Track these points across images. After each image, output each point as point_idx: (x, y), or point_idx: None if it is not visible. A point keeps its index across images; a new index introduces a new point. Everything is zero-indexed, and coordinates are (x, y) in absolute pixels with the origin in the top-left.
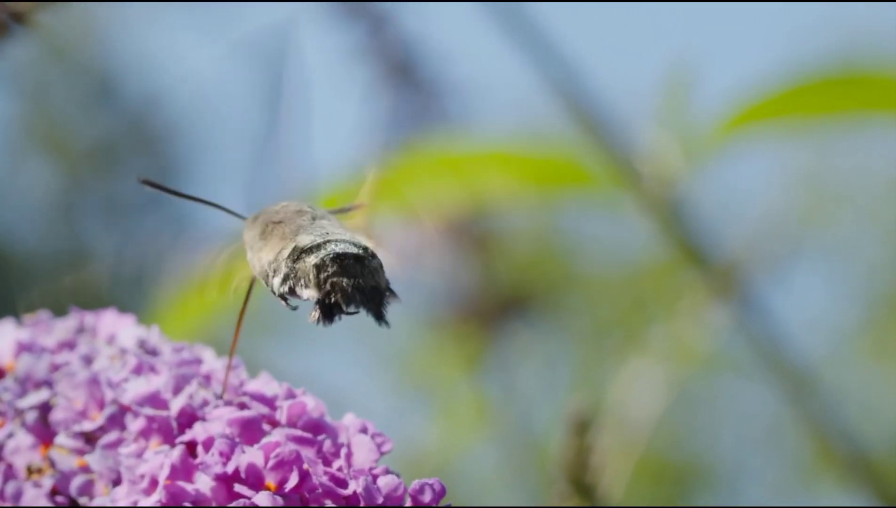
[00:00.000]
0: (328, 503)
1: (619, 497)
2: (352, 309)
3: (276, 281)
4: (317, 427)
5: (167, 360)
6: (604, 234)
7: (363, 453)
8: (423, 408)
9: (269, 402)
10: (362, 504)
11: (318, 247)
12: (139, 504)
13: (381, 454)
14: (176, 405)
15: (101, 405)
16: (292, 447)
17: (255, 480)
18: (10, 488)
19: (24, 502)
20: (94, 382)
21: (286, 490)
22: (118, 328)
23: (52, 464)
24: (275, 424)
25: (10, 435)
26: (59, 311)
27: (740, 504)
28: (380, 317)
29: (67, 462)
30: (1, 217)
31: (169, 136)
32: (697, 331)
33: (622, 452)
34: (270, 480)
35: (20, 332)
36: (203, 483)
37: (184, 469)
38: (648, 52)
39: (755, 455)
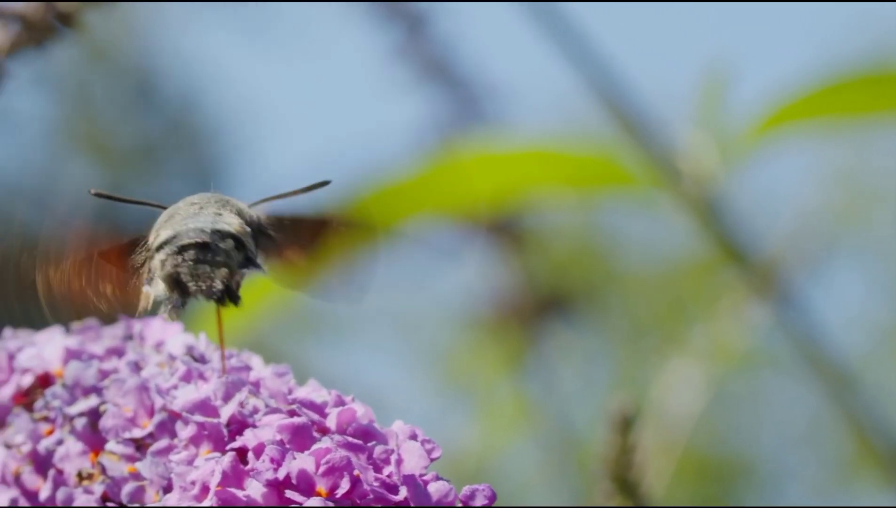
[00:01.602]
0: None
1: (660, 494)
2: (191, 293)
3: (146, 279)
4: (367, 434)
5: (216, 367)
6: (643, 233)
7: (413, 459)
8: (463, 408)
9: (319, 409)
10: None
11: (169, 241)
12: None
13: (431, 460)
14: (226, 412)
15: (151, 413)
16: (343, 453)
17: (306, 486)
18: (60, 494)
19: None
20: (143, 389)
21: (337, 496)
22: (166, 335)
23: (103, 470)
24: (325, 431)
25: (60, 442)
26: (107, 318)
27: (781, 501)
28: (218, 300)
29: (118, 468)
30: (42, 218)
31: (209, 136)
32: (737, 329)
33: (663, 450)
34: (321, 486)
35: (68, 339)
36: (254, 490)
37: (235, 476)
38: (685, 53)
39: (795, 453)
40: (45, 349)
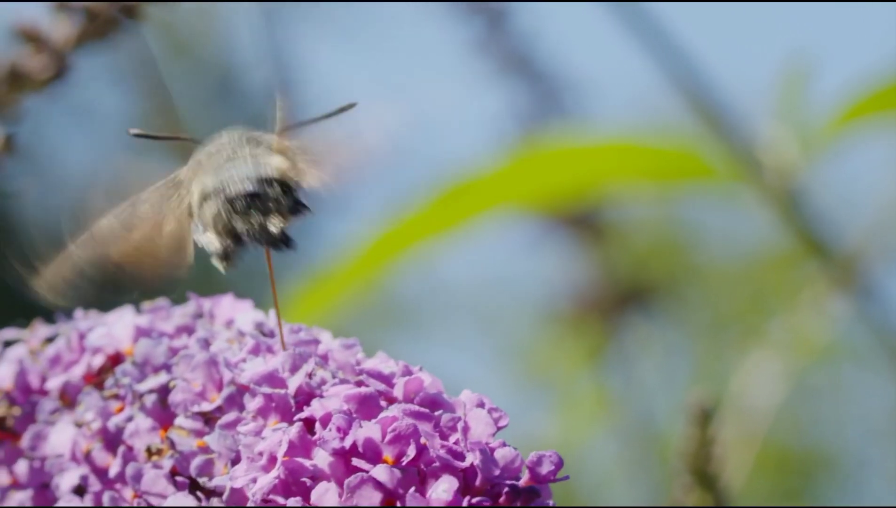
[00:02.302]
0: (445, 475)
1: (739, 488)
2: (245, 242)
3: (195, 229)
4: (433, 403)
5: (285, 341)
6: (723, 226)
7: (480, 426)
8: (543, 402)
9: (386, 379)
10: (480, 477)
11: (215, 191)
12: (258, 481)
13: (498, 428)
14: (293, 383)
15: (219, 386)
16: (409, 421)
17: (372, 454)
18: (129, 470)
19: (145, 483)
20: (211, 363)
21: (404, 464)
22: (236, 313)
23: (172, 445)
24: (392, 400)
25: (130, 419)
26: (180, 299)
27: (861, 494)
28: (273, 246)
29: (187, 443)
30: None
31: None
32: (817, 322)
33: (743, 443)
34: (388, 454)
35: (138, 318)
36: (321, 459)
37: (302, 446)
38: (766, 46)
39: (877, 446)
40: (116, 328)
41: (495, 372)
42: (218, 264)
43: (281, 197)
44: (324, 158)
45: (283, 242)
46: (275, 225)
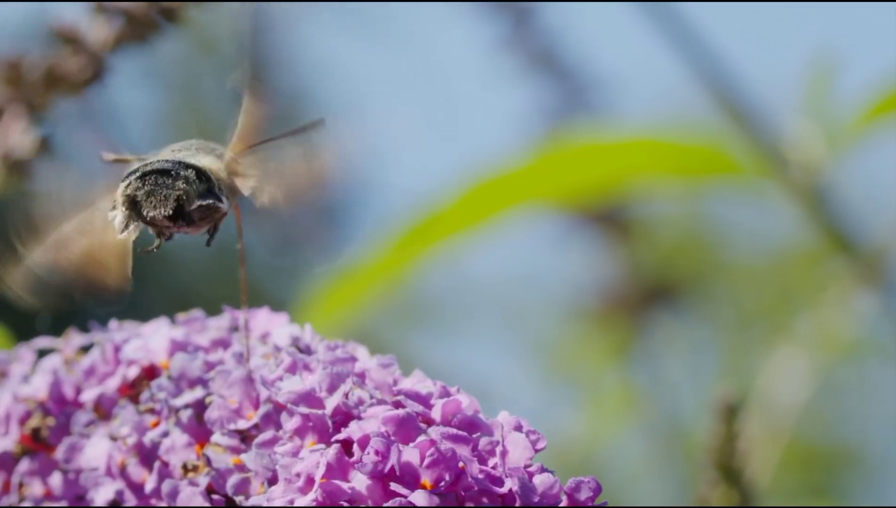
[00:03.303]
0: (484, 501)
1: (765, 483)
2: (145, 214)
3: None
4: (471, 425)
5: (321, 358)
6: (750, 222)
7: (518, 451)
8: (570, 398)
9: (424, 400)
10: (518, 503)
11: (133, 171)
12: (295, 503)
13: (536, 451)
14: (331, 403)
15: (256, 404)
16: (448, 445)
17: (411, 478)
18: (165, 486)
19: (180, 501)
20: (248, 380)
21: (442, 489)
22: (271, 326)
23: (208, 462)
24: (430, 422)
25: (165, 434)
26: (213, 308)
27: (887, 490)
28: (174, 219)
29: (223, 460)
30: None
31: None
32: (844, 318)
33: (769, 439)
34: (426, 478)
35: (174, 331)
36: (359, 482)
37: (340, 468)
38: (792, 42)
39: None
40: (151, 340)
41: (522, 369)
42: (122, 234)
43: (194, 180)
44: (276, 176)
45: (182, 218)
46: (175, 200)
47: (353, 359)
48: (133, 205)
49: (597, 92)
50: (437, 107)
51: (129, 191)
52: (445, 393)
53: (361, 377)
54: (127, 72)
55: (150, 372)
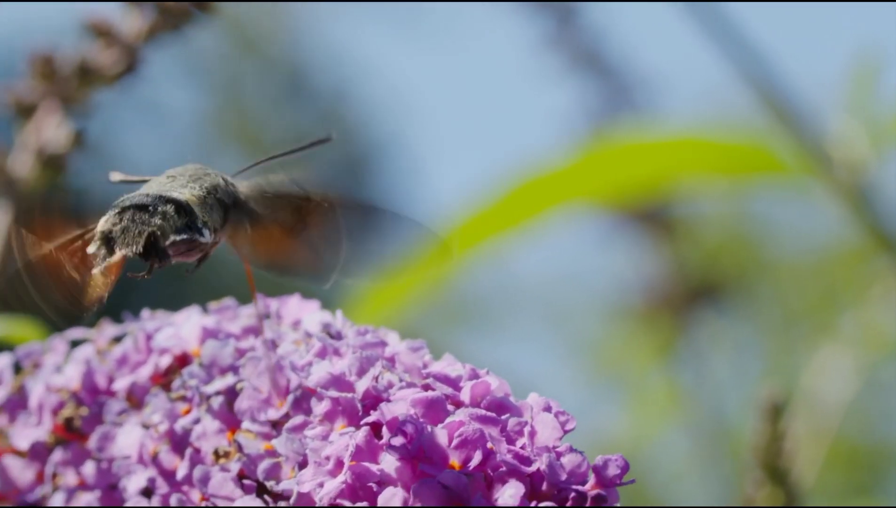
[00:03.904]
0: (512, 480)
1: (810, 482)
2: (116, 249)
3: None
4: (500, 407)
5: (351, 343)
6: (794, 221)
7: (547, 431)
8: (614, 397)
9: (453, 383)
10: (546, 481)
11: (115, 204)
12: (325, 486)
13: (565, 432)
14: (360, 387)
15: (286, 392)
16: (476, 426)
17: (439, 459)
18: (197, 473)
19: (212, 486)
20: (278, 368)
21: (470, 469)
22: (302, 313)
23: (240, 448)
24: (458, 404)
25: (197, 421)
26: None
27: None
28: (145, 256)
29: (254, 445)
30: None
31: (358, 128)
32: (888, 316)
33: (814, 438)
34: (455, 459)
35: (205, 319)
36: (388, 464)
37: (369, 450)
38: (836, 41)
39: None
40: (183, 328)
41: (566, 368)
42: (96, 269)
43: (172, 215)
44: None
45: (154, 255)
46: (146, 238)
47: (383, 343)
48: (107, 241)
49: (641, 91)
50: (482, 106)
51: (105, 226)
52: (475, 376)
53: (391, 360)
54: (168, 71)
55: (182, 360)
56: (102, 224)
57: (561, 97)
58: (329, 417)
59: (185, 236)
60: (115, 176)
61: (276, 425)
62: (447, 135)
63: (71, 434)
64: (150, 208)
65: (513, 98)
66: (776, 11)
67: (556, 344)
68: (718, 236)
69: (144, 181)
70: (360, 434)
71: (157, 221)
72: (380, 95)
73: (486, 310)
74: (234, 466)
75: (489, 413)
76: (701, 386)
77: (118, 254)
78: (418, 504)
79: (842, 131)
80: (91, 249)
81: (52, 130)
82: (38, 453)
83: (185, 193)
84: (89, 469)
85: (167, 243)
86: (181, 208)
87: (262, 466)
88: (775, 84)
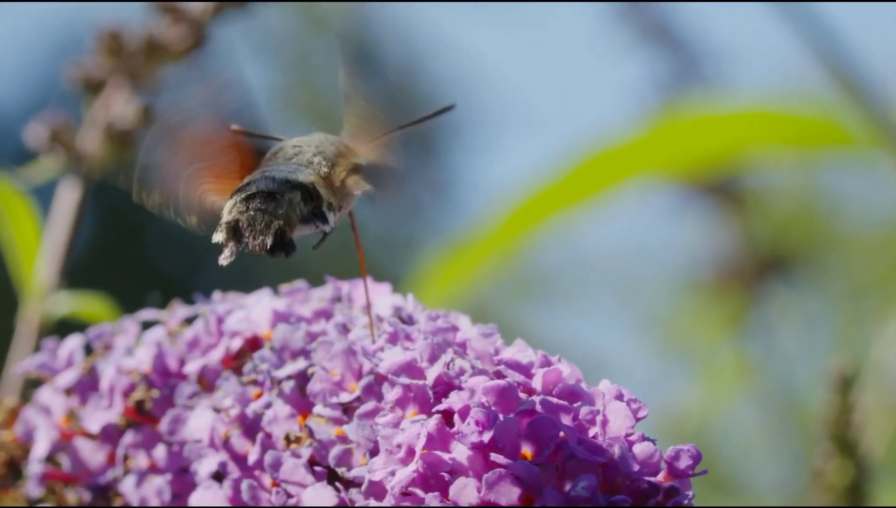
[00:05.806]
0: (584, 471)
1: (880, 454)
2: (245, 243)
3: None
4: (572, 395)
5: (422, 328)
6: (864, 193)
7: (619, 419)
8: (684, 370)
9: (525, 370)
10: (618, 472)
11: (241, 188)
12: (397, 474)
13: (637, 420)
14: (432, 373)
15: (358, 376)
16: (548, 415)
17: (511, 449)
18: (268, 458)
19: (283, 472)
20: (350, 352)
21: (542, 459)
22: (374, 297)
23: (311, 434)
24: (530, 392)
25: (268, 405)
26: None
27: None
28: (271, 251)
29: (326, 431)
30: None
31: (428, 104)
32: None
33: (883, 410)
34: (527, 449)
35: (276, 301)
36: (460, 453)
37: (440, 439)
38: None
39: None
40: (254, 311)
41: (636, 342)
42: (221, 258)
43: (298, 204)
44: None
45: (280, 249)
46: (275, 232)
47: (455, 329)
48: (234, 232)
49: (710, 64)
50: (553, 80)
51: (232, 216)
52: (546, 363)
53: (462, 346)
54: (239, 49)
55: (253, 343)
56: (228, 213)
57: (631, 70)
58: (400, 404)
59: (310, 225)
60: (235, 129)
61: (347, 410)
62: (518, 109)
63: (142, 417)
64: (277, 195)
65: (583, 72)
66: None
67: (626, 318)
68: (788, 208)
69: (264, 137)
70: (432, 423)
71: (284, 211)
72: (450, 71)
73: (555, 284)
74: (306, 452)
75: (561, 402)
76: (770, 359)
77: (249, 246)
78: (491, 496)
79: None
80: (217, 237)
81: (120, 106)
82: (109, 435)
83: (311, 174)
84: (160, 452)
85: (293, 234)
86: (307, 193)
87: (334, 452)
88: (845, 57)
